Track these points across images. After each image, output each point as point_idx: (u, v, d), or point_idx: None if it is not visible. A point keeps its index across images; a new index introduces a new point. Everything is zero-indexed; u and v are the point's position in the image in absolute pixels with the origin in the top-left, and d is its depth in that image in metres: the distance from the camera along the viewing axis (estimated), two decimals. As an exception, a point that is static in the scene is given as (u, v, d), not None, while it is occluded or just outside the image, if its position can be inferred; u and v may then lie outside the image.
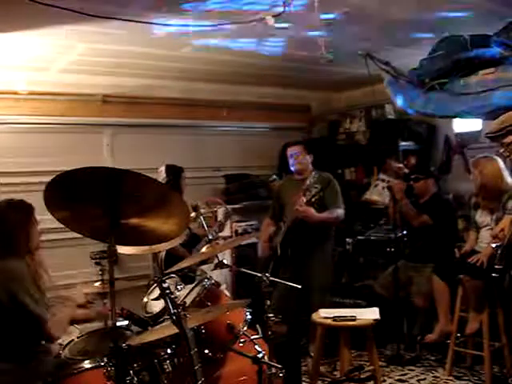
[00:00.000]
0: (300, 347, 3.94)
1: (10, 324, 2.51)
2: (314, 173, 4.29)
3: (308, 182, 4.22)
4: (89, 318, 2.92)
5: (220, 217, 4.66)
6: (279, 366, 2.56)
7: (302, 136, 6.39)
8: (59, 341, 2.74)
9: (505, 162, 3.95)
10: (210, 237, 4.00)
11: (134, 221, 1.89)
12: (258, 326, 3.00)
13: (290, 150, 4.37)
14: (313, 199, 3.93)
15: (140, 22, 3.28)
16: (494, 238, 3.56)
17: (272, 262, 4.13)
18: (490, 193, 3.89)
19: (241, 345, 2.64)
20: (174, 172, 4.52)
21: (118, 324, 2.77)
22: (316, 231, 4.11)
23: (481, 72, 3.66)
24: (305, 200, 3.94)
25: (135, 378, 2.19)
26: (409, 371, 4.09)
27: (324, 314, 3.55)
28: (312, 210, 3.96)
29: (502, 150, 3.40)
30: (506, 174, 3.88)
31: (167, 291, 1.99)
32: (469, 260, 3.79)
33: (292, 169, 4.38)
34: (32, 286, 2.56)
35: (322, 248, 4.25)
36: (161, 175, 4.47)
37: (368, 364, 3.70)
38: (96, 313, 2.89)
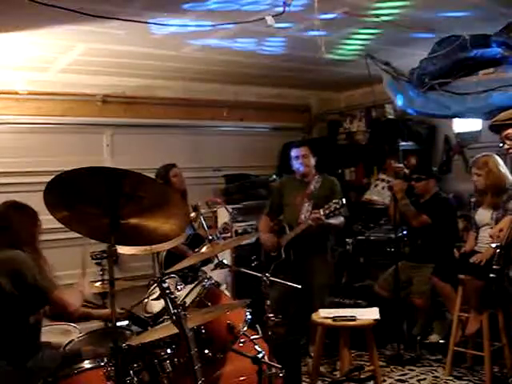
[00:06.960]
0: (300, 347, 3.93)
1: (10, 316, 2.49)
2: (317, 176, 4.29)
3: (312, 186, 4.24)
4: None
5: (225, 218, 4.62)
6: (279, 365, 2.57)
7: (303, 136, 6.40)
8: (59, 341, 2.74)
9: (504, 160, 3.97)
10: (211, 237, 4.01)
11: (133, 221, 1.89)
12: (257, 326, 3.00)
13: (296, 152, 4.27)
14: (331, 214, 3.97)
15: (140, 21, 3.28)
16: (492, 237, 3.56)
17: (273, 264, 4.14)
18: (496, 190, 3.90)
19: (241, 345, 2.64)
20: (161, 169, 4.49)
21: (118, 324, 2.76)
22: (318, 232, 4.11)
23: (481, 72, 3.66)
24: (322, 213, 3.96)
25: (135, 378, 2.19)
26: (409, 371, 4.08)
27: (324, 314, 3.55)
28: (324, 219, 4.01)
29: (506, 145, 3.39)
30: (506, 170, 3.91)
31: (167, 291, 1.99)
32: (471, 260, 3.78)
33: (297, 170, 4.30)
34: (35, 268, 2.52)
35: (323, 248, 4.25)
36: None
37: (368, 364, 3.70)
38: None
